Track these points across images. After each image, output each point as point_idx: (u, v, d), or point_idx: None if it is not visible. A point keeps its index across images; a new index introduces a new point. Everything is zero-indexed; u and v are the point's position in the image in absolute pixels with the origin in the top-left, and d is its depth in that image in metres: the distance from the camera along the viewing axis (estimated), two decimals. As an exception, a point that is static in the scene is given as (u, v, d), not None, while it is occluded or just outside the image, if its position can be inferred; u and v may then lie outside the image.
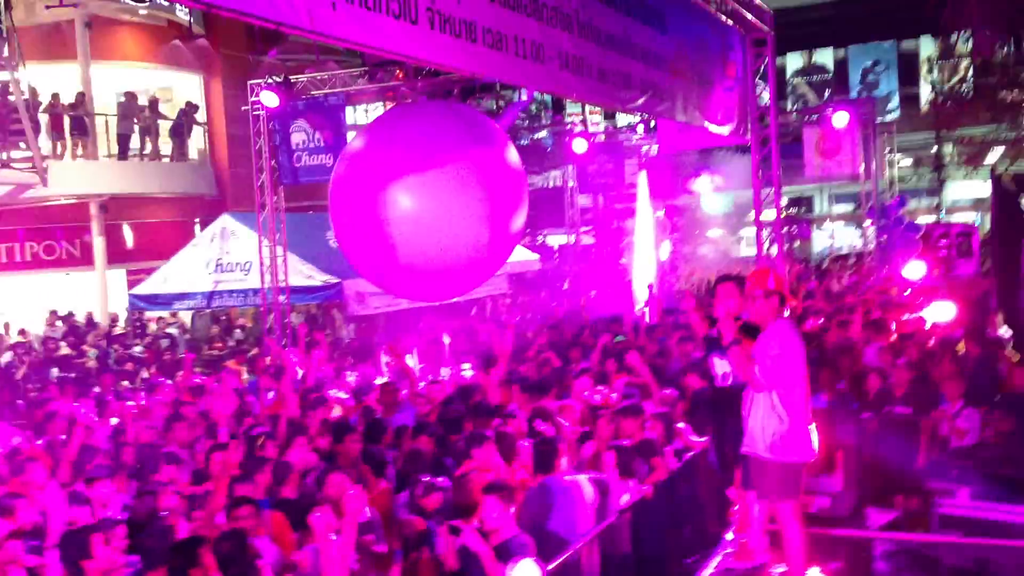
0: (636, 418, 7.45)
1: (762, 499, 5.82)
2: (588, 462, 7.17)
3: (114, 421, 9.45)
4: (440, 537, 5.60)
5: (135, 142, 20.30)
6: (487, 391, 8.89)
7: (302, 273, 14.89)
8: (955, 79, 29.78)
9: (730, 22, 12.46)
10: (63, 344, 16.76)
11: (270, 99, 14.08)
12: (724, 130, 12.48)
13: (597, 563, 6.13)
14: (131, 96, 19.97)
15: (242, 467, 6.47)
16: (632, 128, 25.11)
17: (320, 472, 6.68)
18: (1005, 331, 11.42)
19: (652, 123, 21.59)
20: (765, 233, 14.86)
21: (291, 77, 14.79)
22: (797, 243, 29.91)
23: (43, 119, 18.47)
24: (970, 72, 27.64)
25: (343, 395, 10.40)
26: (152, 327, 19.09)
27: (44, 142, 18.38)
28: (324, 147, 14.73)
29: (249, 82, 14.97)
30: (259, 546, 5.30)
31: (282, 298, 14.58)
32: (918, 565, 5.92)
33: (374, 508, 6.56)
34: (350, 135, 15.30)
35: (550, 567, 5.39)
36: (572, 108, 33.31)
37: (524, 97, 31.06)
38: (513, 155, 8.83)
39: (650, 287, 14.85)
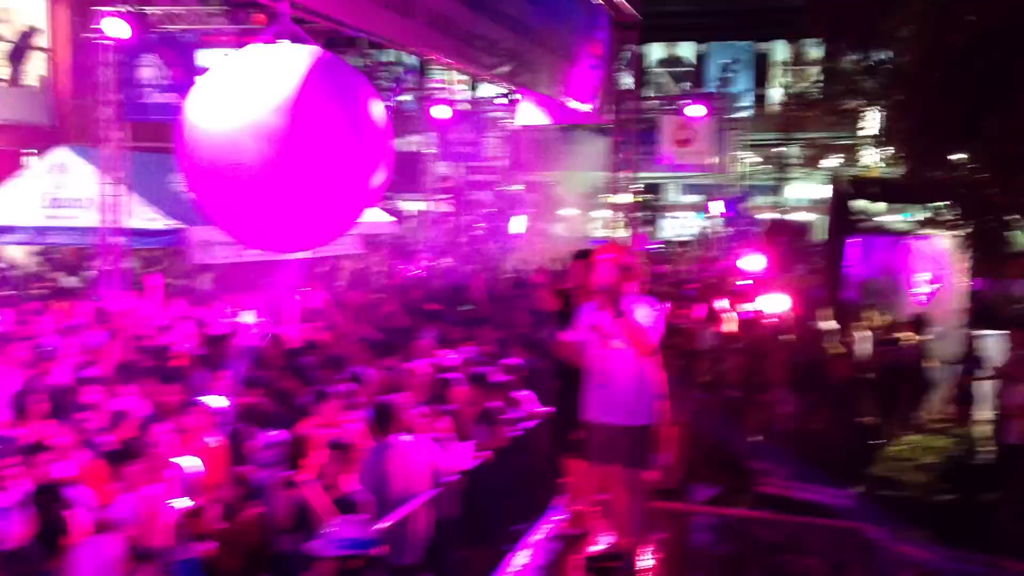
0: (479, 385, 7.49)
1: (609, 467, 5.90)
2: (429, 426, 7.15)
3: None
4: (274, 491, 5.48)
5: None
6: (334, 346, 8.75)
7: (144, 215, 14.20)
8: (803, 84, 31.21)
9: (599, 2, 12.60)
10: None
11: (119, 28, 13.26)
12: (586, 107, 12.65)
13: (430, 525, 6.14)
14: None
15: (61, 411, 6.14)
16: (495, 100, 25.15)
17: (145, 420, 6.42)
18: (830, 324, 12.10)
19: (516, 96, 21.68)
20: (617, 215, 15.20)
21: (143, 8, 13.99)
22: (651, 229, 30.76)
23: None
24: (814, 78, 29.01)
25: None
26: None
27: None
28: (175, 85, 14.05)
29: (95, 8, 14.05)
30: (76, 494, 5.02)
31: (121, 239, 13.85)
32: (736, 538, 6.18)
33: (206, 460, 6.37)
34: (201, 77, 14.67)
35: (383, 526, 5.36)
36: (436, 74, 33.05)
37: (390, 59, 30.63)
38: (379, 110, 8.63)
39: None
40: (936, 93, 9.45)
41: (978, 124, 8.88)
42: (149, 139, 18.21)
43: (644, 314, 5.64)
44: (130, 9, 13.57)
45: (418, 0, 7.50)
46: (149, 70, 14.06)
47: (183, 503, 5.50)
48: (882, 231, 14.20)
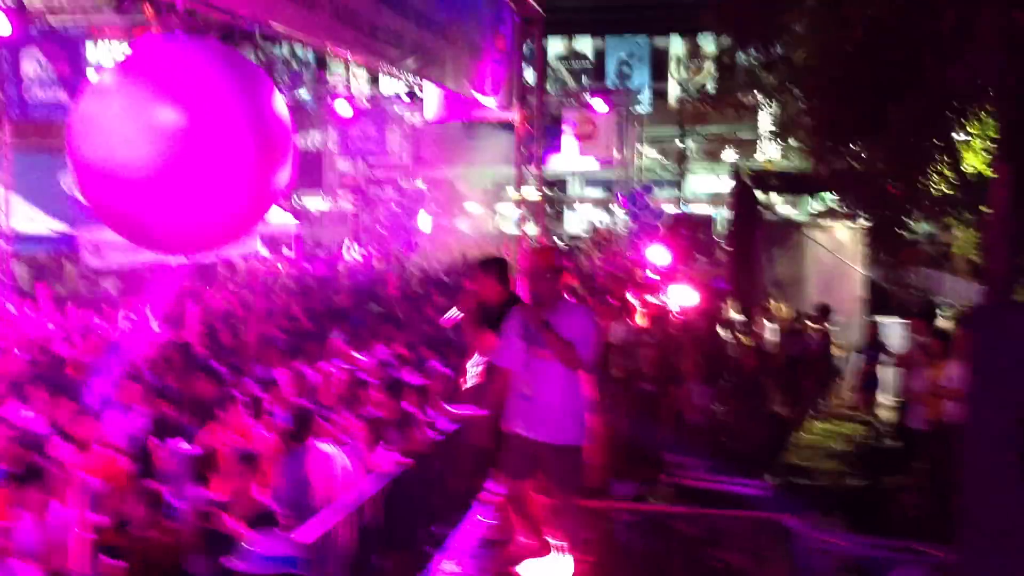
0: (394, 388, 7.31)
1: (539, 484, 5.54)
2: (343, 432, 6.95)
3: None
4: (184, 505, 5.21)
5: None
6: (239, 350, 8.45)
7: (28, 218, 13.49)
8: (700, 77, 31.84)
9: (504, -3, 12.52)
10: None
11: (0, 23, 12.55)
12: (491, 101, 12.54)
13: (352, 533, 5.96)
14: None
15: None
16: (398, 97, 24.88)
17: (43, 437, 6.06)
18: (737, 316, 12.31)
19: (418, 93, 21.45)
20: (524, 210, 15.13)
21: (24, 1, 13.28)
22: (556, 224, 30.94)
23: None
24: (713, 72, 29.62)
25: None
26: None
27: None
28: (59, 81, 13.41)
29: (-27, 0, 13.30)
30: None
31: (3, 244, 13.13)
32: (657, 534, 6.19)
33: (108, 474, 6.05)
34: (90, 74, 14.04)
35: (307, 540, 5.16)
36: (336, 68, 32.53)
37: (284, 51, 29.99)
38: (281, 106, 8.38)
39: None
40: (835, 88, 9.68)
41: (877, 119, 9.11)
42: (32, 136, 17.40)
43: (569, 325, 5.24)
44: (8, 3, 12.85)
45: (323, -7, 7.27)
46: (31, 64, 13.38)
47: (90, 522, 5.19)
48: (784, 223, 14.53)
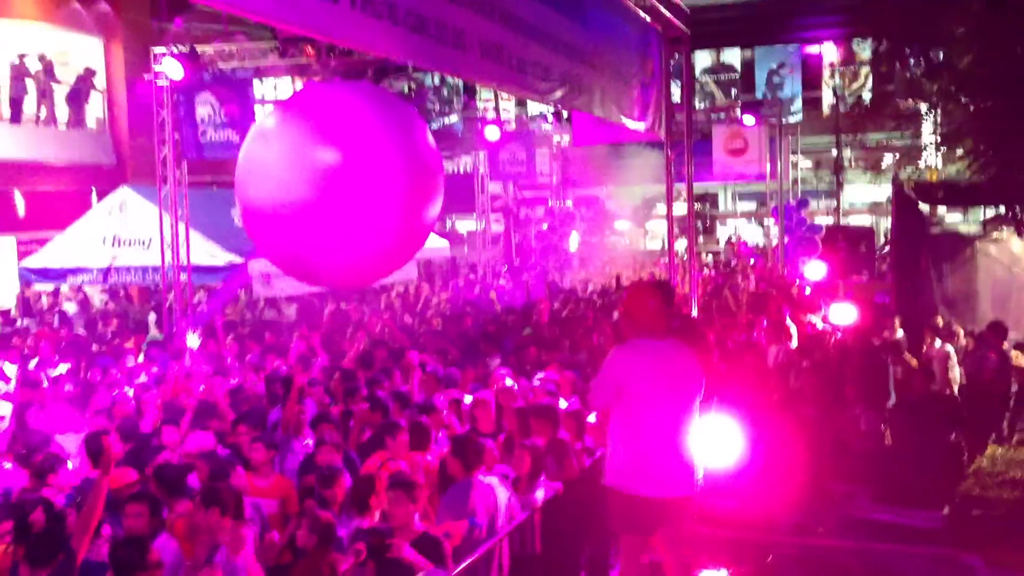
0: (550, 416, 7.36)
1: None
2: (500, 459, 7.05)
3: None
4: (347, 536, 5.40)
5: (29, 106, 19.27)
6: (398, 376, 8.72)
7: (205, 251, 14.40)
8: (856, 85, 30.71)
9: (648, 19, 12.46)
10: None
11: (175, 69, 13.48)
12: (639, 126, 12.50)
13: (507, 562, 6.03)
14: (24, 58, 18.96)
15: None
16: (543, 117, 25.15)
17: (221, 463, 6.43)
18: (901, 335, 11.76)
19: (564, 113, 21.64)
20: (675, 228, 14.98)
21: (197, 47, 14.21)
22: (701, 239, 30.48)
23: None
24: (869, 79, 28.52)
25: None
26: (45, 301, 18.23)
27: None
28: (230, 122, 14.23)
29: (153, 50, 14.31)
30: (160, 547, 4.99)
31: (184, 276, 14.05)
32: (824, 571, 6.00)
33: (275, 499, 6.37)
34: (257, 110, 14.85)
35: (461, 566, 5.28)
36: (484, 94, 33.18)
37: (436, 81, 30.78)
38: (431, 141, 8.65)
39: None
40: (1006, 94, 9.19)
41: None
42: (204, 173, 18.52)
43: (680, 361, 5.08)
44: (184, 49, 13.78)
45: (469, 32, 7.45)
46: (204, 108, 14.26)
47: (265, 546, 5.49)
48: (953, 235, 13.77)
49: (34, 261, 15.79)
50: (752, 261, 25.69)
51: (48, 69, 19.62)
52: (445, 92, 31.82)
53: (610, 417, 5.18)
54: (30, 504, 5.41)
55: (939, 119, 14.56)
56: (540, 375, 9.07)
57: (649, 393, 4.98)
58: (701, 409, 5.26)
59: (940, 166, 21.29)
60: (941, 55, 10.97)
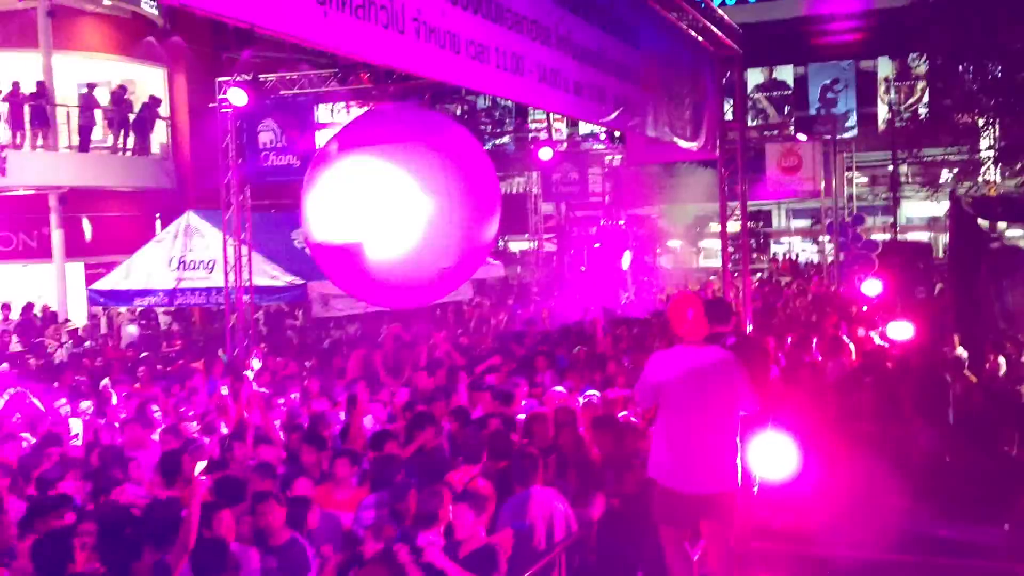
0: (608, 429, 7.48)
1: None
2: (557, 473, 7.18)
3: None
4: (401, 553, 5.54)
5: (97, 134, 19.98)
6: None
7: (267, 273, 14.79)
8: (912, 100, 30.40)
9: (700, 39, 12.60)
10: (15, 338, 16.43)
11: (239, 97, 13.92)
12: (692, 146, 12.61)
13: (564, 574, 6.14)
14: (93, 87, 19.68)
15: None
16: (595, 136, 25.32)
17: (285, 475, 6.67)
18: (961, 351, 11.64)
19: (616, 133, 21.78)
20: (730, 246, 15.03)
21: (260, 75, 14.66)
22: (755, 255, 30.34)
23: (2, 108, 18.12)
24: (926, 94, 28.20)
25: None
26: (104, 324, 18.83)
27: (3, 131, 18.04)
28: (290, 147, 14.64)
29: (217, 79, 14.81)
30: (238, 552, 5.22)
31: (246, 298, 14.44)
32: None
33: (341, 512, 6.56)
34: (317, 135, 15.24)
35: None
36: (536, 115, 33.48)
37: (488, 103, 31.13)
38: (487, 164, 8.90)
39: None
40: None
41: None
42: (264, 197, 19.02)
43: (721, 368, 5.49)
44: (247, 78, 14.23)
45: (528, 58, 7.66)
46: (266, 134, 14.70)
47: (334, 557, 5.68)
48: (1013, 250, 13.60)
49: (103, 284, 16.32)
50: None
51: (116, 99, 20.32)
52: (497, 114, 32.16)
53: (657, 415, 5.69)
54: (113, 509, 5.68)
55: (997, 133, 14.41)
56: (592, 392, 9.19)
57: (680, 394, 5.48)
58: (756, 423, 5.49)
59: (999, 180, 21.01)
60: (999, 70, 10.91)
